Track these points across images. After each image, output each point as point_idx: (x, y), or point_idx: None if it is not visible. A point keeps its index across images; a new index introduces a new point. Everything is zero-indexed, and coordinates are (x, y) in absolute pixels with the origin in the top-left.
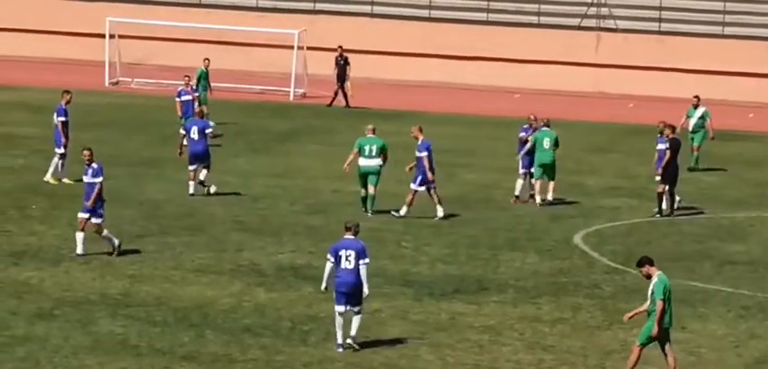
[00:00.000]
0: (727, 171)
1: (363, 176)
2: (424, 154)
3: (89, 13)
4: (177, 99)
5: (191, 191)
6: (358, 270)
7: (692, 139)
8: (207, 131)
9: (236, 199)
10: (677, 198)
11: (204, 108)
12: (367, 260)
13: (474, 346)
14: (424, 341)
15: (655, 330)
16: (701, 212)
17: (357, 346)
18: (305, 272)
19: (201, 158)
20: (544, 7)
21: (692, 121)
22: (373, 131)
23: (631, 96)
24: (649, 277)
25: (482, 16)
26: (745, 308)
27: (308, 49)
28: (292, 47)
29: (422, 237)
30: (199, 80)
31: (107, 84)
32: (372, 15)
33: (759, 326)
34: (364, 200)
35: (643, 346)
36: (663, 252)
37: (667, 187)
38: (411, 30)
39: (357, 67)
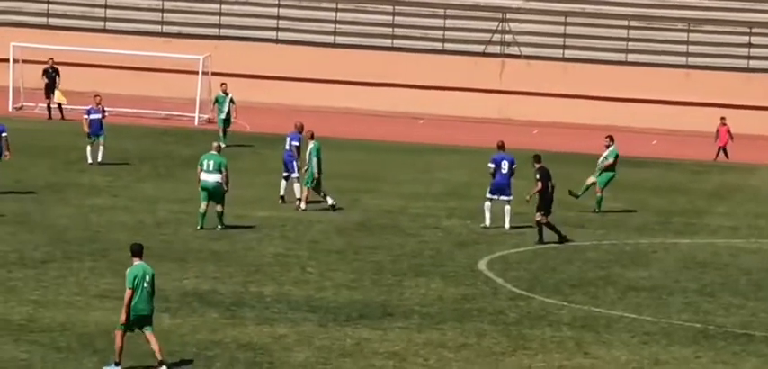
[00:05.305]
0: (628, 197)
1: (203, 191)
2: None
3: None
4: (86, 117)
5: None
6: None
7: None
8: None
9: (140, 225)
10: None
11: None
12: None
13: None
14: (328, 367)
15: (122, 317)
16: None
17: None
18: (209, 297)
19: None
20: (448, 34)
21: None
22: (217, 150)
23: (535, 123)
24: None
25: (387, 42)
26: (648, 334)
27: (213, 74)
28: (197, 72)
29: (327, 262)
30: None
31: (11, 109)
32: (277, 41)
33: (662, 351)
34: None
35: (123, 331)
36: (567, 278)
37: (545, 215)
38: (316, 56)
39: (263, 93)
